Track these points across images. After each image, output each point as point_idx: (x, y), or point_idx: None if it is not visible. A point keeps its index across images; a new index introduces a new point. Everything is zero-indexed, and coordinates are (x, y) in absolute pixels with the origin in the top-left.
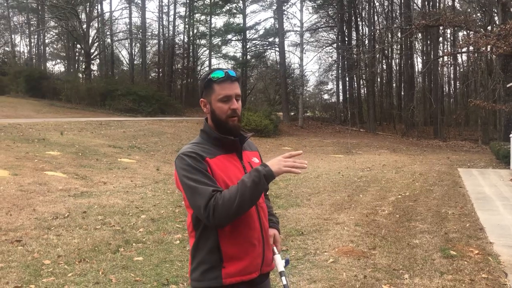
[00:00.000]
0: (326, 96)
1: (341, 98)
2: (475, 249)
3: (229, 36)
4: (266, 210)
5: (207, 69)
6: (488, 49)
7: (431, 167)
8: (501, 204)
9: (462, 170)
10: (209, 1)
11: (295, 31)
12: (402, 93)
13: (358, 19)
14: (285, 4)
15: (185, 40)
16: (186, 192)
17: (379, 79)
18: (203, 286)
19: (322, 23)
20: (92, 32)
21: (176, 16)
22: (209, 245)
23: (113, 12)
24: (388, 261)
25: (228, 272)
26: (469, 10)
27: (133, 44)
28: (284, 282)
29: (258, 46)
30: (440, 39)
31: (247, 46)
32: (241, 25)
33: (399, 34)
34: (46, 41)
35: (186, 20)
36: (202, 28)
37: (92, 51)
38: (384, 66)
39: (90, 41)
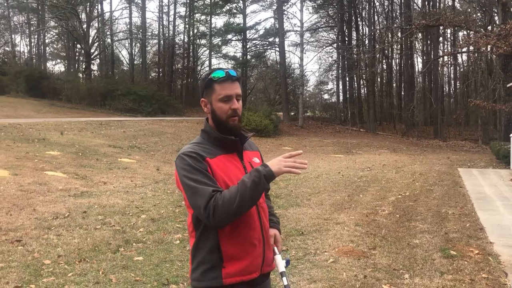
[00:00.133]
0: (326, 96)
1: (341, 98)
2: (475, 249)
3: (229, 36)
4: (266, 210)
5: (207, 69)
6: (488, 49)
7: (431, 167)
8: (501, 204)
9: (462, 170)
10: (209, 1)
11: (295, 31)
12: (402, 93)
13: (358, 19)
14: (285, 4)
15: (185, 40)
16: (186, 192)
17: (379, 79)
18: (203, 286)
19: (322, 23)
20: (92, 32)
21: (176, 16)
22: (209, 245)
23: (113, 12)
24: (388, 261)
25: (228, 272)
26: (469, 10)
27: (133, 44)
28: (286, 283)
29: (258, 46)
30: (440, 39)
31: (247, 46)
32: (241, 25)
33: (399, 34)
34: (46, 41)
35: (186, 20)
36: (202, 28)
37: (92, 51)
38: (384, 66)
39: (90, 41)
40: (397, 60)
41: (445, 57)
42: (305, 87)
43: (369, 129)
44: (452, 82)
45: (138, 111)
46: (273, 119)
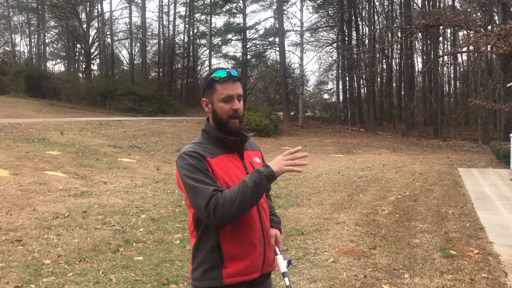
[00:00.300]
0: (326, 96)
1: (341, 98)
2: (475, 249)
3: (229, 36)
4: (267, 210)
5: (207, 69)
6: (488, 48)
7: (431, 166)
8: (501, 203)
9: (462, 170)
10: (209, 1)
11: (295, 31)
12: (402, 93)
13: (358, 18)
14: (285, 3)
15: (185, 40)
16: (187, 192)
17: (379, 79)
18: (204, 286)
19: (322, 22)
20: (92, 32)
21: (176, 16)
22: (210, 245)
23: (113, 12)
24: (388, 261)
25: (229, 272)
26: (469, 9)
27: (133, 44)
28: (287, 283)
29: (258, 46)
30: (440, 38)
31: (247, 46)
32: (241, 24)
33: (399, 34)
34: (46, 41)
35: (186, 20)
36: (202, 28)
37: (92, 51)
38: (384, 66)
39: (90, 41)
40: (397, 60)
41: (445, 57)
42: (305, 87)
43: (369, 129)
44: (452, 82)
45: (138, 111)
46: (273, 119)
